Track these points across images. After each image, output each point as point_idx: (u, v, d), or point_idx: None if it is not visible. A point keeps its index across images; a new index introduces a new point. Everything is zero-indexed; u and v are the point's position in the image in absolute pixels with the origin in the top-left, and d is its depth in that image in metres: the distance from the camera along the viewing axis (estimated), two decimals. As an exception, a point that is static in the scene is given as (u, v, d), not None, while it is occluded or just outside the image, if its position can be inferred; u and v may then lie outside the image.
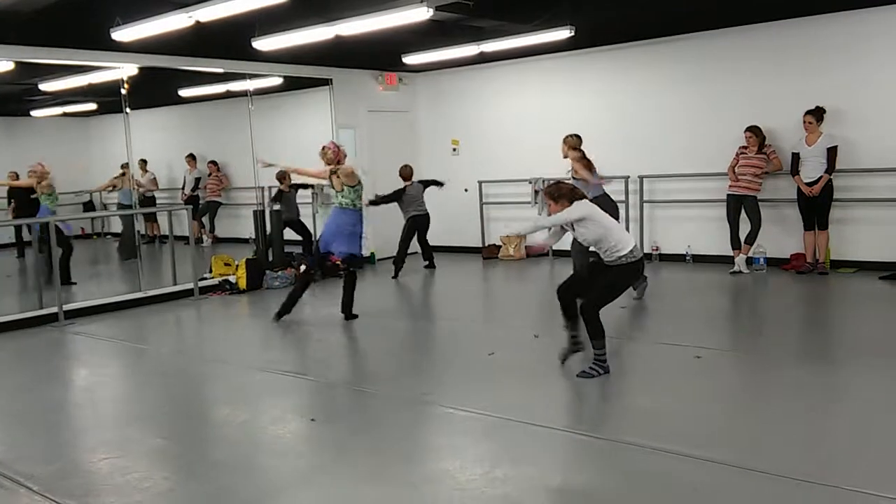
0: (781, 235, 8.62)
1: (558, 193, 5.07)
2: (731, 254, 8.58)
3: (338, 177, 6.91)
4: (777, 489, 3.25)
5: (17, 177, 9.12)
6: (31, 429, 4.59)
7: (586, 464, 3.70)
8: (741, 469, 3.43)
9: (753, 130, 8.31)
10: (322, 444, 4.15)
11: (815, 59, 8.23)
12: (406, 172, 9.71)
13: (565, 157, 7.74)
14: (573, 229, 5.14)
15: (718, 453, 3.59)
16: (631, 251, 4.95)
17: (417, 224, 9.68)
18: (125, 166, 9.02)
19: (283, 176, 9.81)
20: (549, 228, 5.40)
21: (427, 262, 10.01)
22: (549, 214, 5.19)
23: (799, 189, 8.10)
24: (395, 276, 9.43)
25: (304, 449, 4.12)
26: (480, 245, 11.07)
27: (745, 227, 8.47)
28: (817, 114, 7.97)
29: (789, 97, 8.31)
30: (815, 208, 8.06)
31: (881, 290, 7.30)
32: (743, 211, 8.44)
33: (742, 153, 8.43)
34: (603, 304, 5.00)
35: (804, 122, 8.01)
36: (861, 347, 5.42)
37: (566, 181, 5.68)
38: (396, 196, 9.61)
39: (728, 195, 8.51)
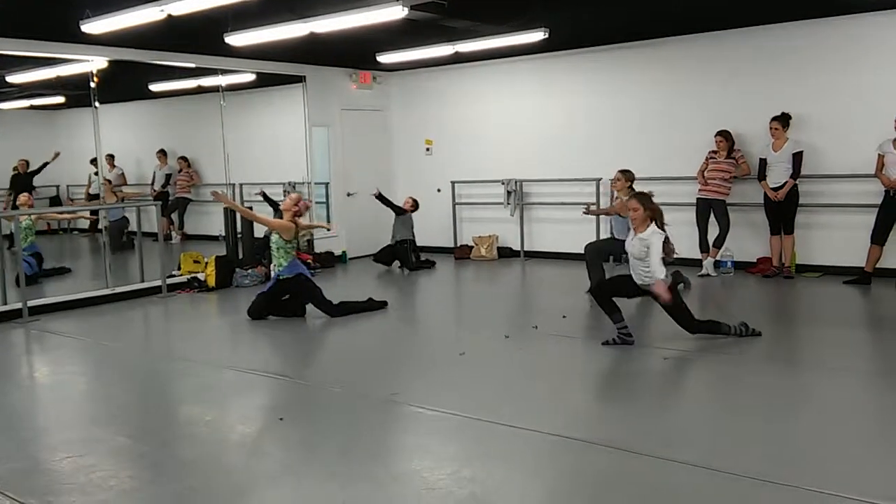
0: (749, 239, 8.75)
1: (650, 205, 5.67)
2: (700, 256, 8.69)
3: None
4: (740, 489, 3.30)
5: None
6: (-8, 427, 4.50)
7: (554, 464, 3.72)
8: (705, 469, 3.48)
9: (724, 135, 8.43)
10: (290, 443, 4.13)
11: (784, 65, 8.37)
12: (409, 205, 10.09)
13: (619, 191, 7.77)
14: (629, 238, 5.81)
15: (683, 453, 3.64)
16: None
17: (398, 250, 9.94)
18: (94, 161, 8.89)
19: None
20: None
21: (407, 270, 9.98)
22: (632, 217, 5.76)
23: (765, 194, 8.24)
24: (425, 265, 10.08)
25: (272, 448, 4.09)
26: (453, 245, 11.08)
27: (713, 231, 8.59)
28: (783, 120, 8.10)
29: (758, 103, 8.44)
30: (781, 213, 8.19)
31: (845, 294, 7.44)
32: (712, 214, 8.55)
33: (711, 157, 8.54)
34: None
35: (770, 127, 8.14)
36: (825, 350, 5.53)
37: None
38: (395, 210, 9.92)
39: (698, 199, 8.62)
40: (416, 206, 10.19)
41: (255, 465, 3.79)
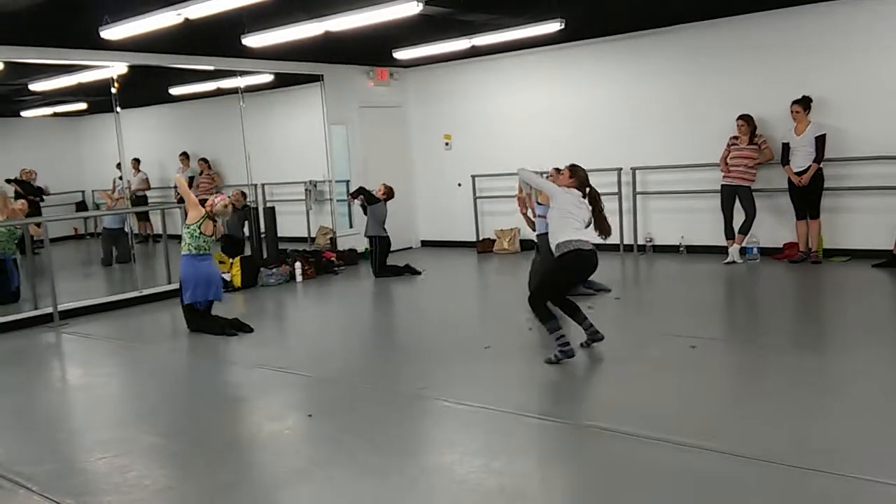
0: (774, 225, 8.66)
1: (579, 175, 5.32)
2: (725, 244, 8.61)
3: (214, 222, 6.69)
4: (773, 476, 3.27)
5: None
6: (27, 429, 4.58)
7: (582, 453, 3.72)
8: (736, 457, 3.45)
9: (745, 119, 8.33)
10: (319, 439, 4.16)
11: (806, 48, 8.25)
12: (381, 192, 9.34)
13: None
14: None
15: (713, 441, 3.61)
16: (559, 244, 5.10)
17: (383, 244, 9.30)
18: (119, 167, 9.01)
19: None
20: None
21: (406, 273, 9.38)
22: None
23: (790, 178, 8.14)
24: (394, 272, 9.36)
25: (302, 445, 4.12)
26: (475, 239, 11.08)
27: (738, 218, 8.50)
28: (804, 103, 7.99)
29: (780, 86, 8.32)
30: (807, 197, 8.09)
31: (874, 278, 7.33)
32: (737, 201, 8.47)
33: (733, 144, 8.45)
34: (544, 294, 5.21)
35: (791, 111, 8.04)
36: (855, 335, 5.45)
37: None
38: (372, 200, 9.18)
39: (722, 185, 8.54)
40: (389, 193, 9.30)
41: (285, 461, 3.82)
